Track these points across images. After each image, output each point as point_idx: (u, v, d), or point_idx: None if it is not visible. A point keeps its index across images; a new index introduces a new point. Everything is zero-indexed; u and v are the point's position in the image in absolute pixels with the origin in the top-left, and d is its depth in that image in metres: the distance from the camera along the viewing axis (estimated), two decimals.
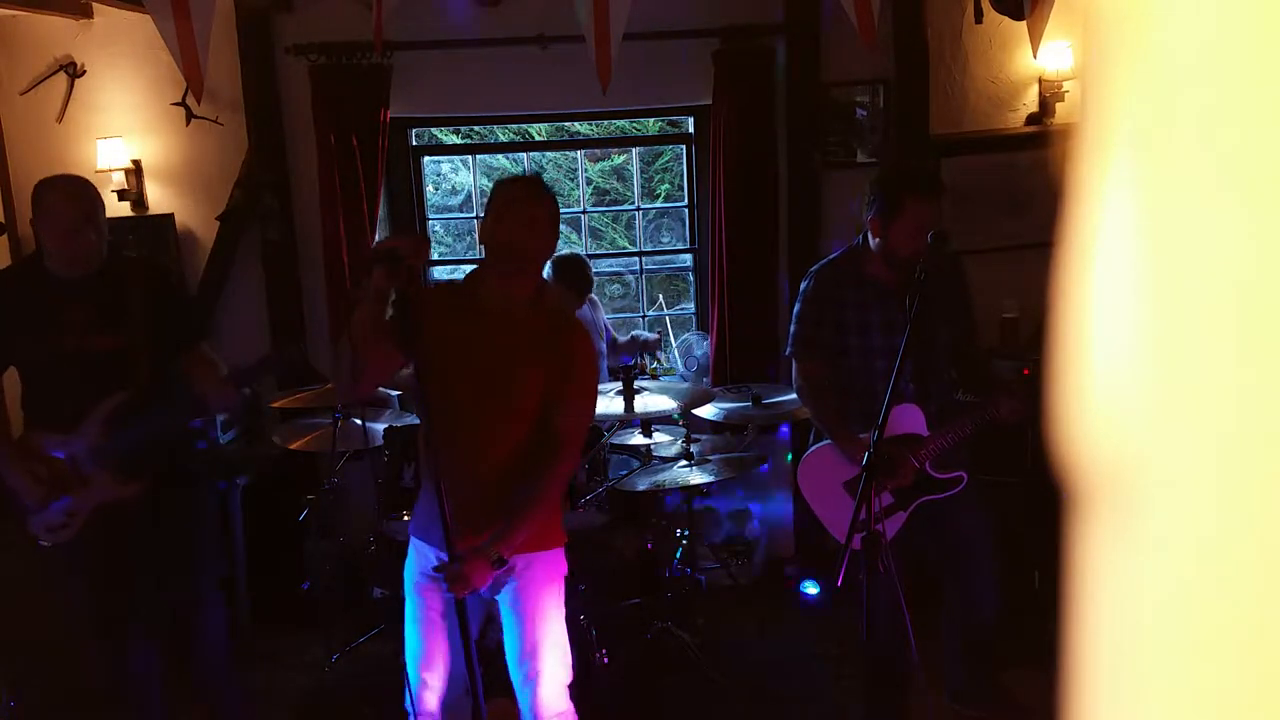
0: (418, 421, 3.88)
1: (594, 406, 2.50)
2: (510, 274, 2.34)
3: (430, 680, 2.44)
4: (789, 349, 2.98)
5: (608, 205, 7.33)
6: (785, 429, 4.49)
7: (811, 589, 4.23)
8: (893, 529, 2.81)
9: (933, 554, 3.01)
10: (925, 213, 2.72)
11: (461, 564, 2.19)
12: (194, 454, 3.03)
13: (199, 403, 2.80)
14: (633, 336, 4.43)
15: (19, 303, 2.79)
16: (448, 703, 2.46)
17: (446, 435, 2.29)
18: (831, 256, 3.00)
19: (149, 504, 2.79)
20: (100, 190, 2.88)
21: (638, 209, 5.11)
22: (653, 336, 4.47)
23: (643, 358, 4.42)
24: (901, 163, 4.06)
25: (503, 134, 6.60)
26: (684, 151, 4.74)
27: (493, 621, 3.13)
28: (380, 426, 3.68)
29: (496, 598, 2.46)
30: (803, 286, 2.98)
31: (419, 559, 2.45)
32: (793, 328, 2.97)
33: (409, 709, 2.47)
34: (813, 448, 3.00)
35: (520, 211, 2.32)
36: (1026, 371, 3.38)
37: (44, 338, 2.73)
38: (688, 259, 4.87)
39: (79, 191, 2.76)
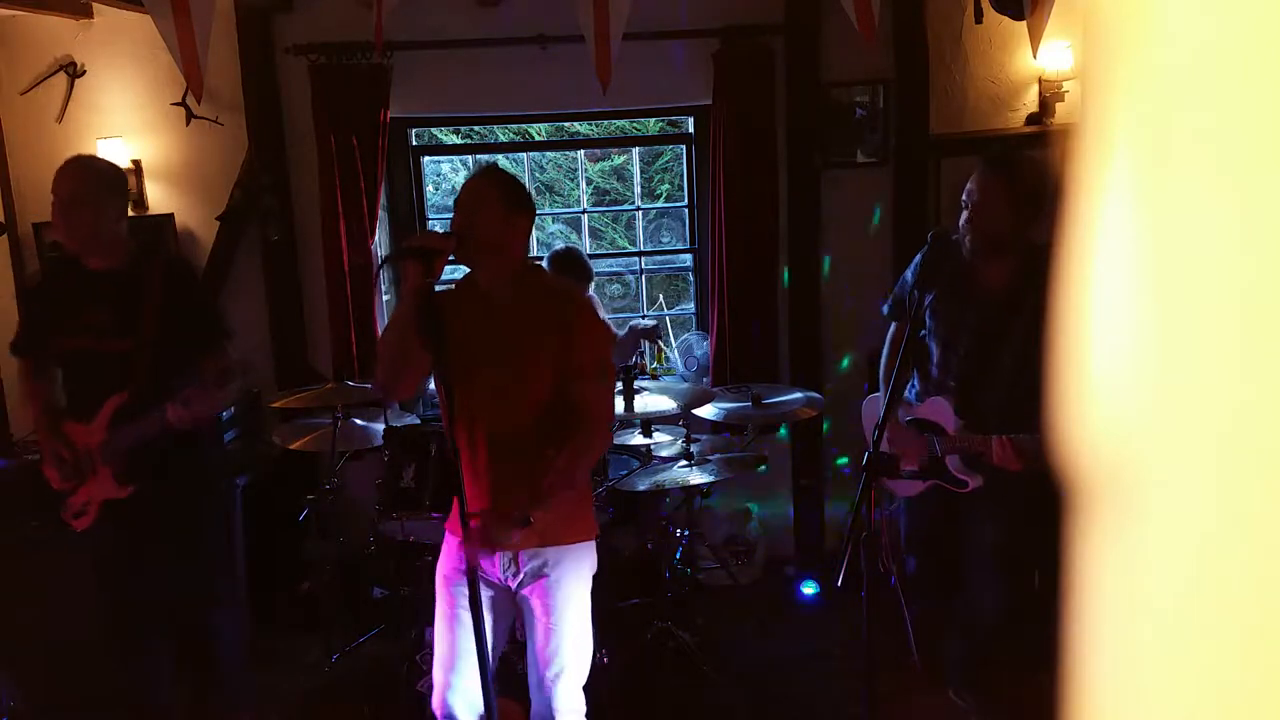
0: (418, 422, 3.90)
1: (609, 369, 2.48)
2: (476, 260, 2.38)
3: (456, 682, 2.40)
4: (885, 308, 3.10)
5: (608, 205, 7.33)
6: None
7: (811, 589, 4.23)
8: (915, 489, 2.96)
9: (947, 549, 3.02)
10: (976, 181, 2.72)
11: (486, 521, 2.21)
12: (205, 454, 2.99)
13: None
14: (630, 328, 4.43)
15: (55, 299, 2.89)
16: (476, 705, 2.41)
17: (472, 431, 2.34)
18: (953, 234, 2.92)
19: (158, 504, 2.81)
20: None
21: (638, 209, 5.11)
22: (650, 323, 4.47)
23: (643, 355, 4.41)
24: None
25: (503, 134, 6.60)
26: (684, 151, 4.74)
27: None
28: (380, 426, 3.67)
29: (523, 591, 2.44)
30: (916, 256, 2.99)
31: (453, 555, 2.44)
32: (895, 289, 3.07)
33: (435, 711, 2.45)
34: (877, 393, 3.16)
35: (460, 198, 2.38)
36: None
37: (70, 335, 2.81)
38: (688, 259, 4.87)
39: (77, 169, 2.80)
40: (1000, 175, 2.70)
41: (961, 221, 2.76)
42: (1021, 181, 2.68)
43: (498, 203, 2.34)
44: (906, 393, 3.03)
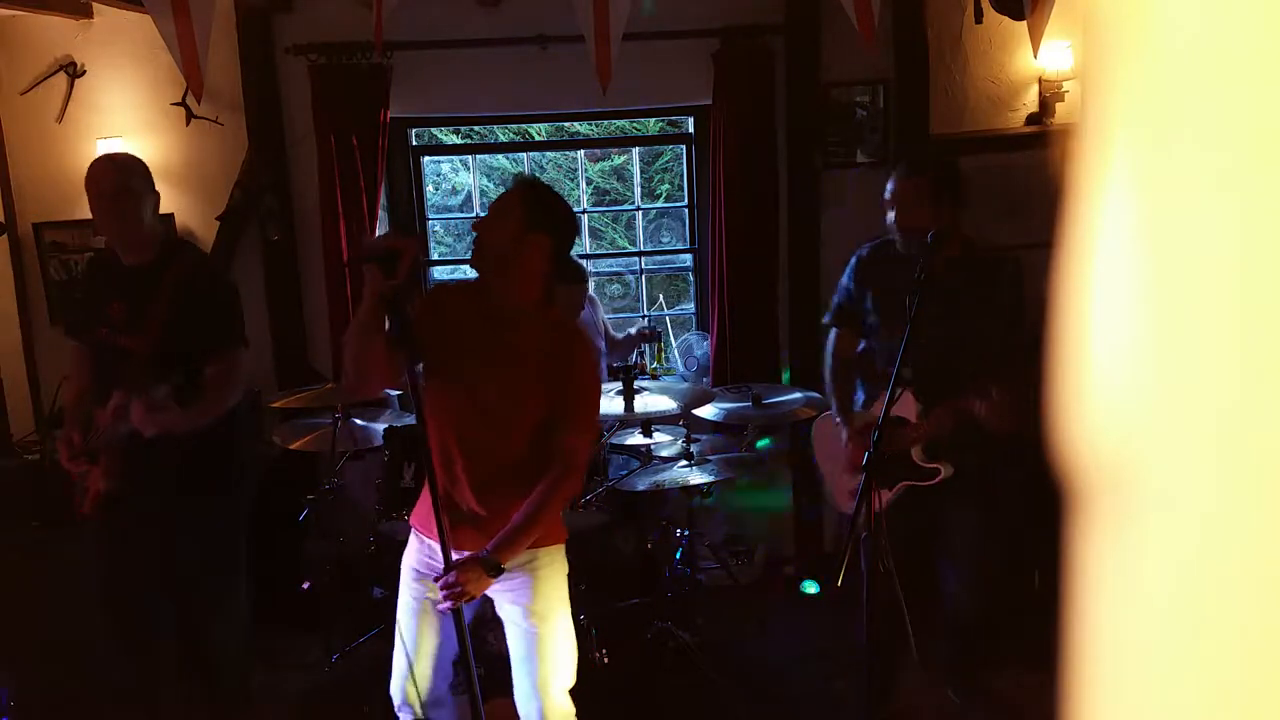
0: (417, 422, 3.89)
1: (596, 422, 2.48)
2: (490, 272, 2.34)
3: (417, 672, 2.43)
4: (828, 317, 3.14)
5: (608, 205, 7.33)
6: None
7: (811, 589, 4.23)
8: (877, 504, 2.89)
9: (926, 548, 3.02)
10: (903, 188, 2.83)
11: (459, 573, 2.20)
12: (218, 457, 2.99)
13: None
14: (628, 334, 4.43)
15: (89, 289, 2.97)
16: (432, 697, 2.46)
17: (448, 436, 2.31)
18: (881, 238, 3.07)
19: (159, 504, 2.81)
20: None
21: (638, 209, 5.11)
22: (648, 328, 4.47)
23: (643, 355, 4.41)
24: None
25: (503, 134, 6.60)
26: (684, 151, 4.74)
27: (484, 624, 3.14)
28: (380, 426, 3.68)
29: (500, 600, 2.45)
30: (850, 262, 3.10)
31: (419, 550, 2.45)
32: (835, 298, 3.12)
33: (393, 697, 2.49)
34: (829, 412, 3.16)
35: (489, 210, 2.36)
36: None
37: (93, 326, 2.86)
38: (688, 259, 4.87)
39: (115, 163, 2.86)
40: (915, 176, 2.85)
41: (889, 220, 2.86)
42: (935, 180, 2.84)
43: (513, 217, 2.29)
44: (856, 406, 3.04)
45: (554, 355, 2.33)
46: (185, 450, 2.79)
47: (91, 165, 2.85)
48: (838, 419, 3.03)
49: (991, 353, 2.92)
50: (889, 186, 2.87)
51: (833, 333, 3.12)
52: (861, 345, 3.05)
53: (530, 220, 2.28)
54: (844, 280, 3.08)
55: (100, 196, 2.78)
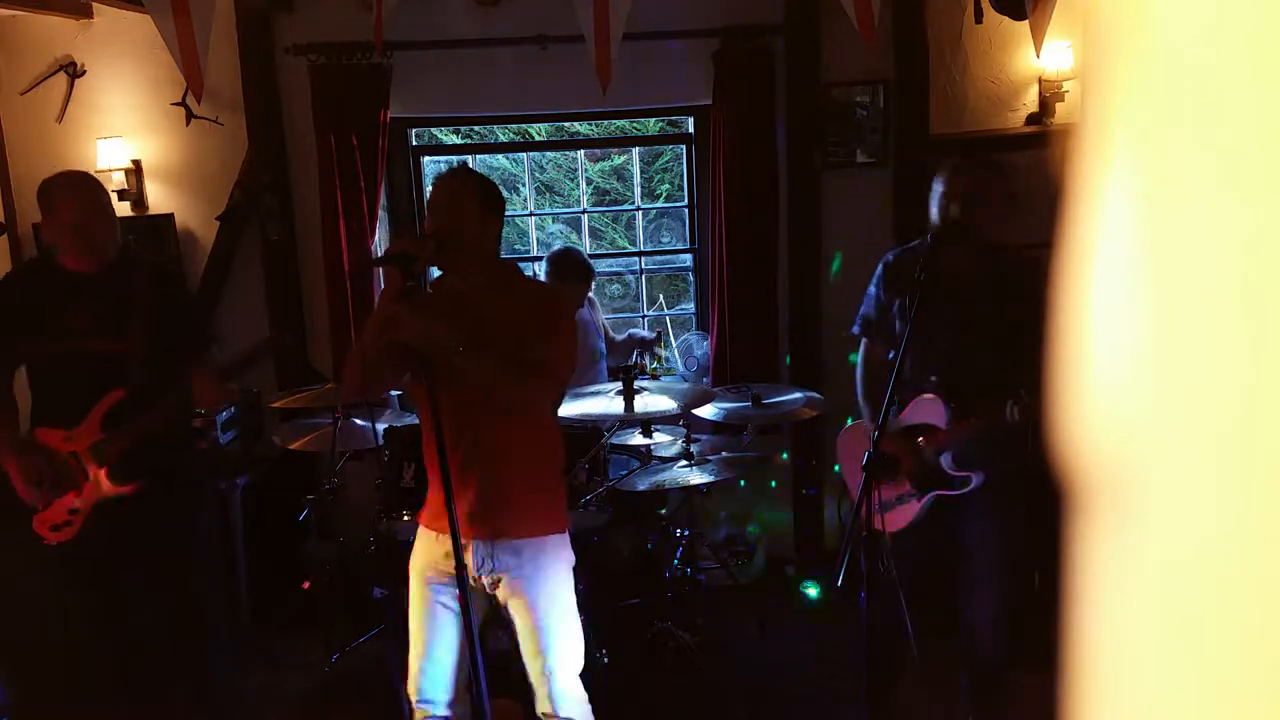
0: (418, 421, 3.89)
1: (572, 341, 2.48)
2: (452, 262, 2.38)
3: (432, 670, 2.44)
4: (856, 328, 3.07)
5: (608, 205, 7.33)
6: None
7: (811, 589, 4.23)
8: (905, 517, 2.84)
9: (944, 556, 2.98)
10: (956, 183, 2.74)
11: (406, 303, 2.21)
12: (194, 454, 3.04)
13: (194, 403, 2.88)
14: (629, 335, 4.43)
15: (28, 302, 2.81)
16: (450, 697, 2.47)
17: (457, 427, 2.34)
18: (910, 244, 3.01)
19: (147, 503, 2.80)
20: None
21: (638, 209, 5.11)
22: (650, 335, 4.46)
23: (642, 357, 4.41)
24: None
25: (503, 134, 6.60)
26: (684, 151, 4.74)
27: (488, 624, 3.14)
28: (380, 426, 3.67)
29: (503, 592, 2.45)
30: (877, 270, 3.01)
31: (428, 551, 2.46)
32: (862, 308, 3.06)
33: (409, 701, 2.48)
34: (856, 422, 3.13)
35: (436, 200, 2.38)
36: None
37: (48, 338, 2.77)
38: (688, 259, 4.87)
39: (86, 185, 2.80)
40: (999, 176, 2.75)
41: (952, 219, 2.73)
42: (1012, 183, 2.77)
43: (475, 204, 2.35)
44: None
45: (527, 310, 2.39)
46: (165, 443, 2.80)
47: (67, 185, 2.75)
48: (873, 430, 2.99)
49: (1025, 357, 2.87)
50: (950, 182, 2.74)
51: (862, 344, 3.06)
52: (890, 354, 3.01)
53: (487, 205, 2.38)
54: (872, 289, 3.01)
55: (72, 223, 2.70)
